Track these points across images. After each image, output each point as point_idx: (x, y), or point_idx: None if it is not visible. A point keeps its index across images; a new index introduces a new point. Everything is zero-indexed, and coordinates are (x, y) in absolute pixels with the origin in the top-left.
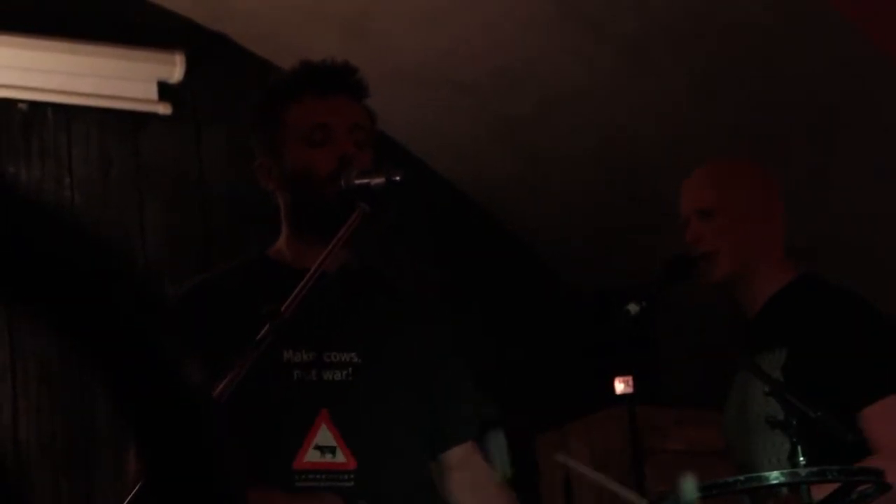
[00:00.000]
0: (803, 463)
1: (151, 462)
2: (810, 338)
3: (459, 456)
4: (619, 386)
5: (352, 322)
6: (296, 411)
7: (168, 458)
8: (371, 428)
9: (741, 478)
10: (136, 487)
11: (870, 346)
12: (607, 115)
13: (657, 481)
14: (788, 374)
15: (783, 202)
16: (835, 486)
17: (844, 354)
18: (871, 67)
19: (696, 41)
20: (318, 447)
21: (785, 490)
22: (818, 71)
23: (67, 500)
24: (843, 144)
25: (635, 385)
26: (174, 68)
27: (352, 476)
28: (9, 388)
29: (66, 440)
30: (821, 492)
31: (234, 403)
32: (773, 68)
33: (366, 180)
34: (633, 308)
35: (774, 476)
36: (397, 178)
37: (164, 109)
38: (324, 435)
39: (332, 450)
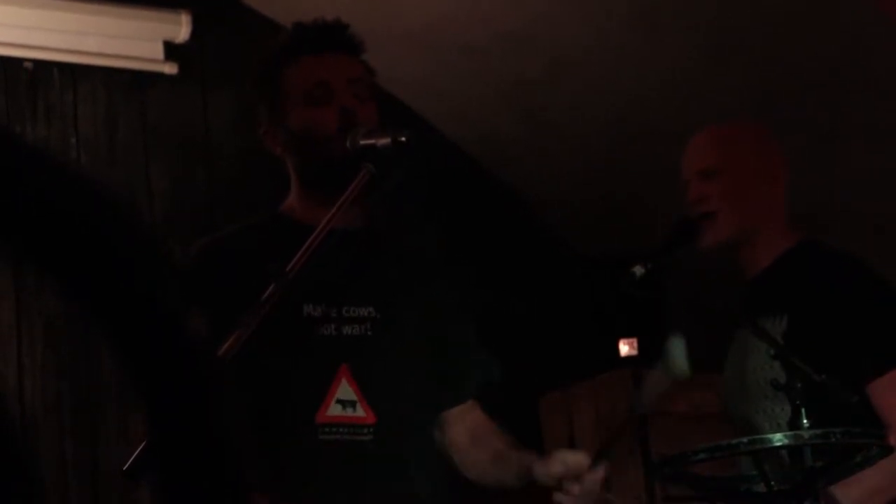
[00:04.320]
0: (807, 426)
1: (155, 418)
2: (812, 305)
3: (459, 411)
4: (624, 348)
5: (367, 277)
6: (317, 365)
7: (172, 415)
8: (389, 383)
9: (745, 440)
10: (141, 446)
11: (874, 316)
12: (615, 79)
13: (661, 444)
14: (790, 342)
15: (787, 167)
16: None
17: (849, 324)
18: (876, 30)
19: (705, 5)
20: (339, 401)
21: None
22: (824, 34)
23: (72, 461)
24: (848, 108)
25: (640, 348)
26: (180, 28)
27: (371, 430)
28: (14, 349)
29: (71, 401)
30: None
31: (256, 359)
32: (780, 32)
33: (371, 141)
34: (638, 270)
35: (778, 438)
36: (403, 138)
37: (170, 69)
38: (344, 389)
39: (353, 404)
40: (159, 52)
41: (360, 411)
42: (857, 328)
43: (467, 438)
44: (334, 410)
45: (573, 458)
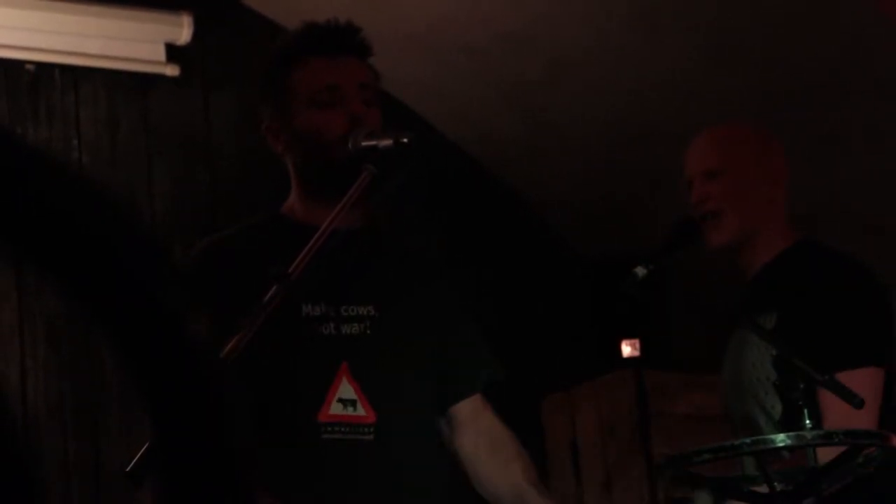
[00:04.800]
0: (809, 426)
1: (157, 419)
2: (801, 302)
3: (468, 410)
4: (626, 349)
5: (367, 276)
6: (317, 365)
7: (174, 416)
8: (389, 381)
9: (748, 440)
10: (145, 447)
11: (855, 313)
12: (615, 80)
13: (663, 445)
14: (779, 337)
15: (788, 169)
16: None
17: (827, 319)
18: (876, 31)
19: (705, 6)
20: (340, 400)
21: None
22: (824, 34)
23: (74, 460)
24: (848, 109)
25: (642, 349)
26: (182, 30)
27: (371, 429)
28: (16, 349)
29: (73, 401)
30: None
31: (256, 359)
32: (780, 33)
33: (374, 142)
34: (640, 271)
35: (781, 439)
36: (405, 140)
37: (171, 71)
38: (345, 388)
39: (353, 403)
40: (161, 53)
41: (361, 410)
42: (832, 322)
43: (483, 453)
44: (335, 409)
45: None
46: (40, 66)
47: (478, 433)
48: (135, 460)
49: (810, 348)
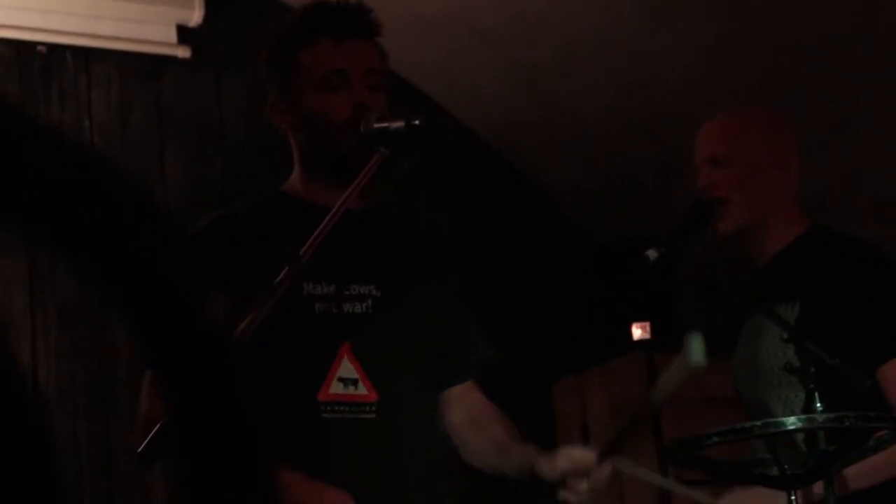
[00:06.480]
0: (820, 409)
1: (174, 400)
2: (825, 291)
3: (458, 391)
4: (637, 332)
5: (371, 256)
6: (318, 344)
7: (191, 397)
8: (391, 360)
9: (758, 423)
10: (157, 427)
11: (885, 300)
12: (627, 64)
13: (674, 428)
14: (803, 328)
15: (800, 154)
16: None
17: (859, 309)
18: (886, 16)
19: None
20: (341, 379)
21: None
22: (834, 21)
23: (86, 444)
24: (855, 98)
25: (653, 332)
26: (193, 12)
27: (373, 408)
28: (28, 332)
29: (84, 384)
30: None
31: (258, 337)
32: (790, 19)
33: (385, 124)
34: (651, 254)
35: (791, 422)
36: (417, 122)
37: (183, 53)
38: (346, 367)
39: (355, 382)
40: (172, 35)
41: (362, 389)
42: (868, 313)
43: (467, 422)
44: (336, 388)
45: (579, 455)
46: (52, 47)
47: (464, 408)
48: (146, 441)
49: (849, 341)
